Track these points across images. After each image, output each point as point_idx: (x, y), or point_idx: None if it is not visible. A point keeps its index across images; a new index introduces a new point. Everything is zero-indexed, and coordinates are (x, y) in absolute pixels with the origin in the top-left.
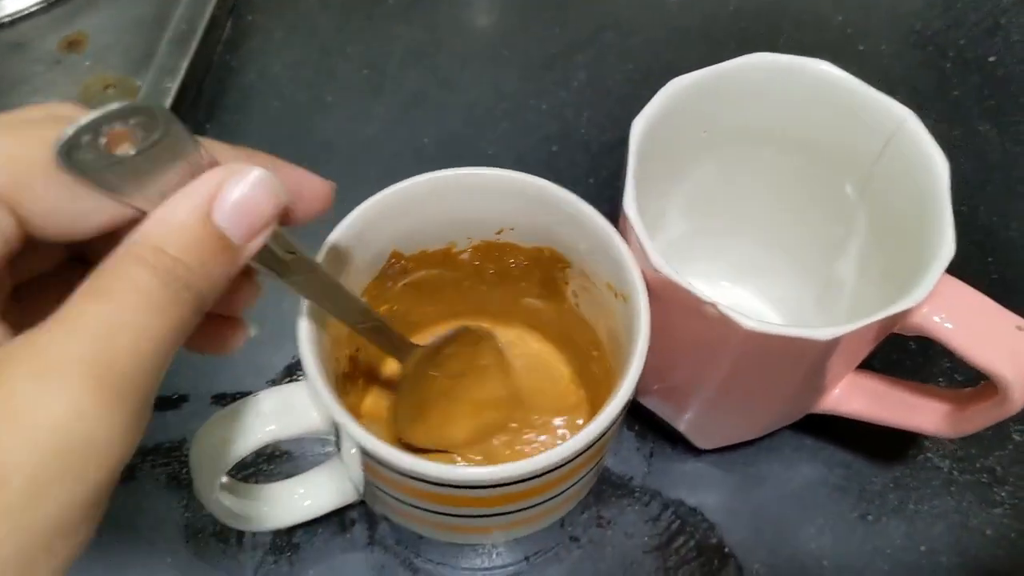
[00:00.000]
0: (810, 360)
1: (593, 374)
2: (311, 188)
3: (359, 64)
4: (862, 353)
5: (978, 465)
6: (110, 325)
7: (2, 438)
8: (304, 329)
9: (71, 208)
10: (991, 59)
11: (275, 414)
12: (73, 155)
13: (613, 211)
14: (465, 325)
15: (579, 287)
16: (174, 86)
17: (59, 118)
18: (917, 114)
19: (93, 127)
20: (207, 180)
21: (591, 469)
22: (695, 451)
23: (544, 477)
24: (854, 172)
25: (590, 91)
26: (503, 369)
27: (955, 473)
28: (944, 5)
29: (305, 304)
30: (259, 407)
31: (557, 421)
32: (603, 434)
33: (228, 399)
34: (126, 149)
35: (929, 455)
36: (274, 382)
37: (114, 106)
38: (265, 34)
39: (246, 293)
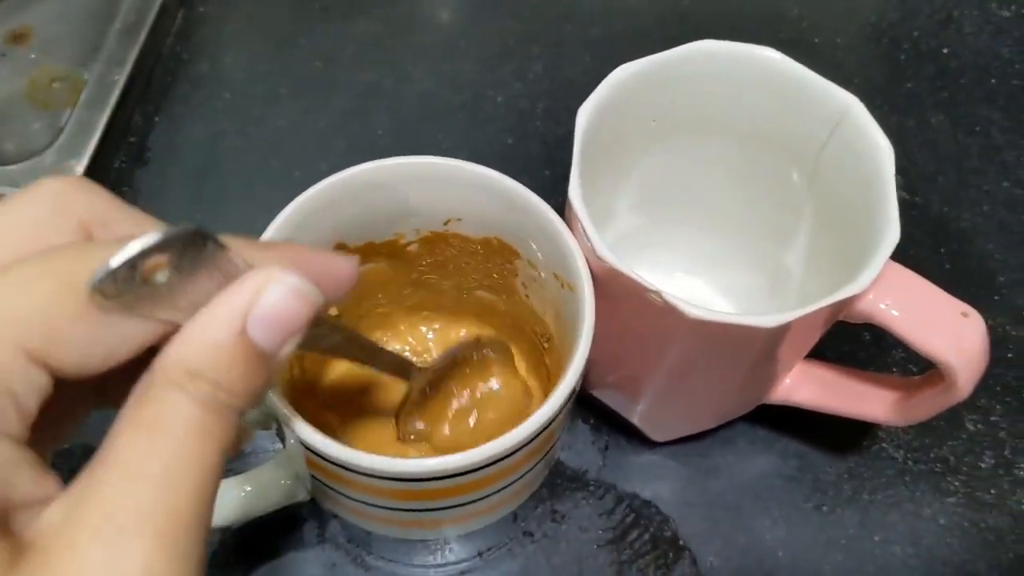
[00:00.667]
0: (758, 348)
1: (546, 366)
2: (336, 272)
3: (313, 56)
4: (810, 341)
5: (932, 455)
6: (168, 467)
7: None
8: None
9: (104, 345)
10: (944, 51)
11: None
12: (107, 291)
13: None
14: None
15: (528, 278)
16: (122, 78)
17: (84, 247)
18: (870, 105)
19: (130, 263)
20: (239, 293)
21: (540, 460)
22: (650, 444)
23: (489, 468)
24: (801, 160)
25: (547, 82)
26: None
27: (909, 463)
28: None
29: None
30: None
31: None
32: (548, 423)
33: None
34: (162, 275)
35: (883, 445)
36: None
37: (151, 238)
38: (217, 25)
39: None
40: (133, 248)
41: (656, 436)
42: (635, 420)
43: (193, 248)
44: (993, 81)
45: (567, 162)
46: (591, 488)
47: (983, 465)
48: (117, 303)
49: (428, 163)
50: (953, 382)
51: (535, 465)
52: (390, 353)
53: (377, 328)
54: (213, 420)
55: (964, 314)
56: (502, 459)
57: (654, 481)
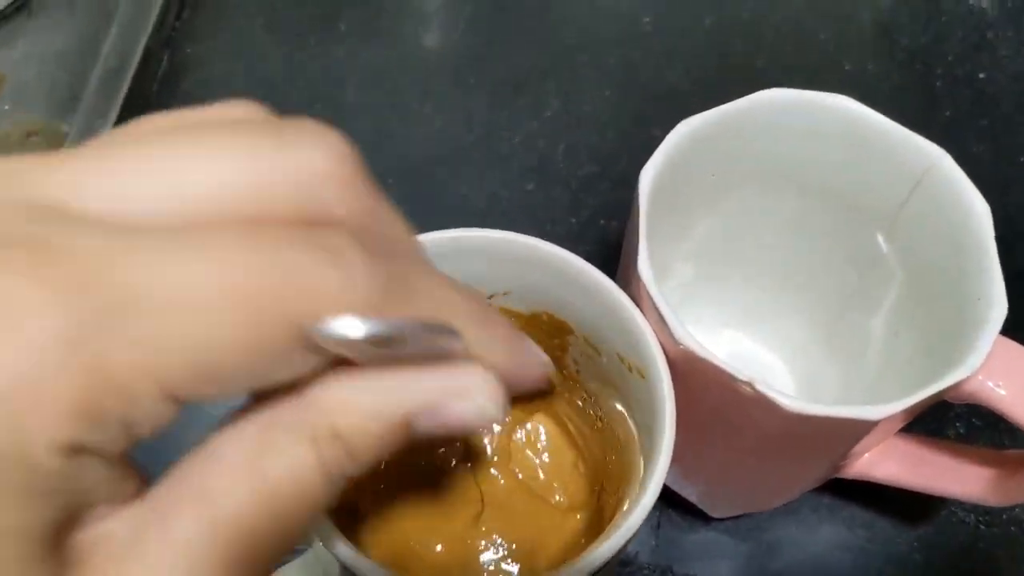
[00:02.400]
0: (852, 437)
1: (594, 453)
2: (527, 375)
3: (310, 96)
4: (902, 423)
5: (1004, 517)
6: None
7: None
8: None
9: (267, 380)
10: (981, 76)
11: None
12: (320, 344)
13: (601, 253)
14: None
15: (580, 355)
16: (106, 129)
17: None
18: None
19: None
20: (434, 385)
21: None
22: (705, 518)
23: None
24: (881, 217)
25: (565, 119)
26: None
27: (981, 527)
28: (926, 17)
29: None
30: None
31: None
32: (628, 541)
33: None
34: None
35: (953, 508)
36: None
37: (407, 326)
38: (206, 67)
39: None
40: (381, 327)
41: (716, 513)
42: (693, 499)
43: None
44: None
45: (594, 207)
46: (645, 572)
47: None
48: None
49: (473, 237)
50: None
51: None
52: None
53: None
54: (321, 489)
55: None
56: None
57: (713, 560)
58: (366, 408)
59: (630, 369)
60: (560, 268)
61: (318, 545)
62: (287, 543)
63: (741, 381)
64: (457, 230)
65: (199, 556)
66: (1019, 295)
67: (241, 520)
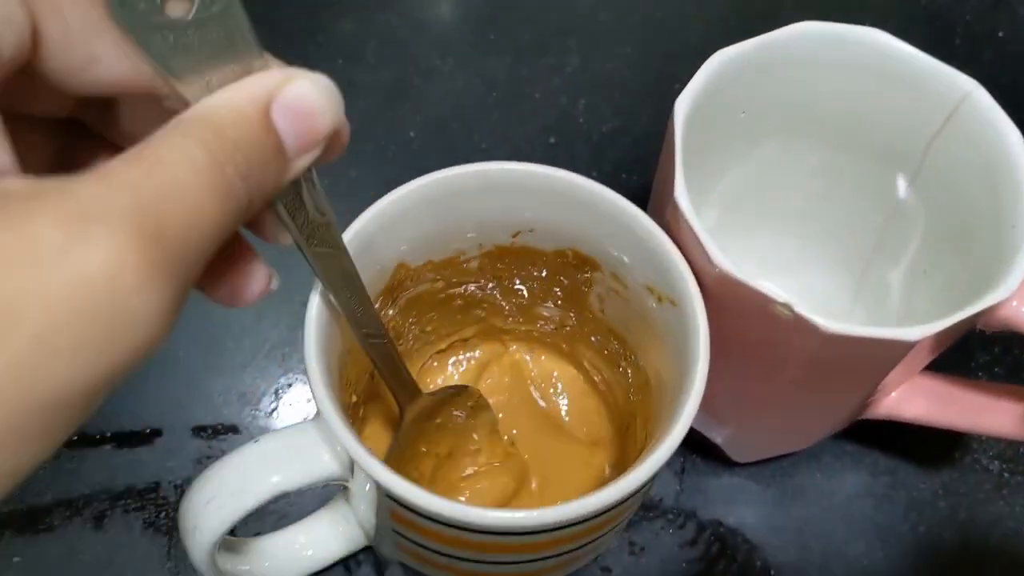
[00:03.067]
0: (887, 363)
1: (622, 391)
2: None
3: (333, 54)
4: (932, 355)
5: None
6: (159, 187)
7: (20, 283)
8: (313, 349)
9: (95, 61)
10: (1000, 34)
11: (279, 463)
12: (125, 2)
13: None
14: (466, 385)
15: (606, 290)
16: None
17: None
18: None
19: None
20: (266, 76)
21: (638, 505)
22: (729, 463)
23: (592, 521)
24: (907, 161)
25: (587, 75)
26: (494, 445)
27: (1005, 475)
28: None
29: (313, 315)
30: (259, 455)
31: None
32: (656, 472)
33: (208, 431)
34: (182, 11)
35: (977, 456)
36: (259, 410)
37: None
38: None
39: (269, 229)
40: None
41: (740, 458)
42: (719, 441)
43: (219, 4)
44: None
45: (615, 161)
46: (670, 517)
47: None
48: (130, 30)
49: (499, 169)
50: None
51: (632, 510)
52: (388, 334)
53: (432, 352)
54: (220, 180)
55: None
56: (606, 511)
57: (737, 506)
58: (226, 104)
59: (660, 300)
60: (588, 200)
61: (360, 491)
62: (201, 230)
63: (779, 303)
64: (485, 163)
65: (108, 207)
66: None
67: (142, 190)
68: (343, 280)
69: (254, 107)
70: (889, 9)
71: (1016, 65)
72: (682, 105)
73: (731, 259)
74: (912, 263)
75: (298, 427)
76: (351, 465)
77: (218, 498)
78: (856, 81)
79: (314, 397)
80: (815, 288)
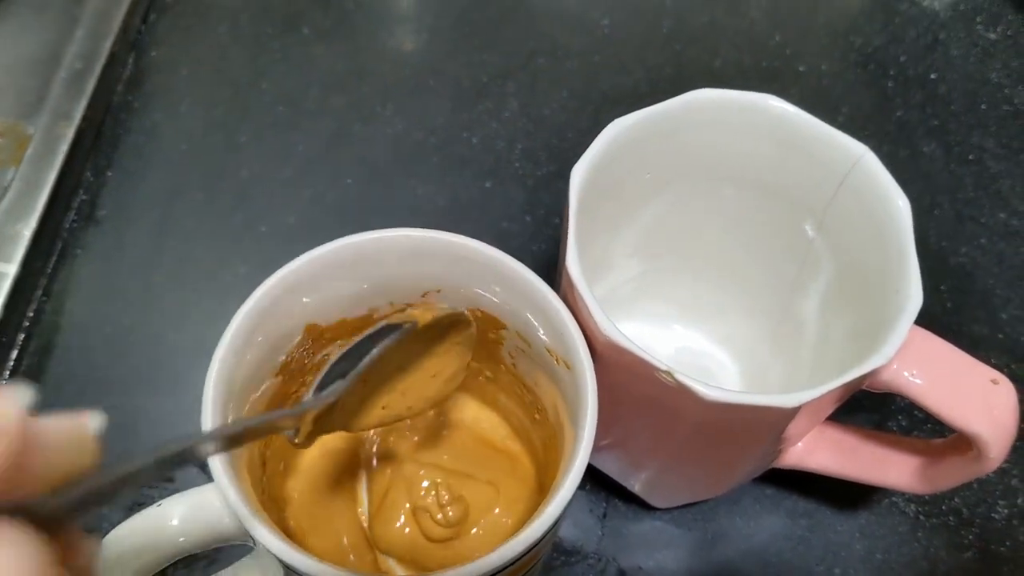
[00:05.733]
0: (775, 425)
1: (538, 438)
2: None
3: (274, 99)
4: (828, 411)
5: (943, 507)
6: None
7: None
8: (210, 425)
9: None
10: (932, 76)
11: (185, 525)
12: None
13: (554, 251)
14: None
15: (515, 349)
16: (70, 131)
17: None
18: (861, 135)
19: None
20: None
21: (539, 560)
22: (651, 508)
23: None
24: (811, 211)
25: (524, 120)
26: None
27: (921, 517)
28: (883, 20)
29: (210, 393)
30: (166, 517)
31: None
32: (553, 525)
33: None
34: None
35: (894, 499)
36: None
37: None
38: (170, 70)
39: None
40: None
41: (658, 504)
42: (635, 489)
43: None
44: (983, 107)
45: (549, 205)
46: (591, 562)
47: (996, 516)
48: None
49: (404, 236)
50: (984, 453)
51: (536, 564)
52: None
53: None
54: None
55: (994, 381)
56: (503, 569)
57: (657, 550)
58: None
59: (557, 361)
60: (489, 266)
61: (260, 546)
62: None
63: (661, 371)
64: (382, 231)
65: None
66: (960, 292)
67: None
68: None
69: None
70: (823, 51)
71: (947, 107)
72: (577, 174)
73: (657, 305)
74: (821, 307)
75: (201, 489)
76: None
77: (120, 562)
78: (755, 143)
79: (212, 472)
80: (736, 334)
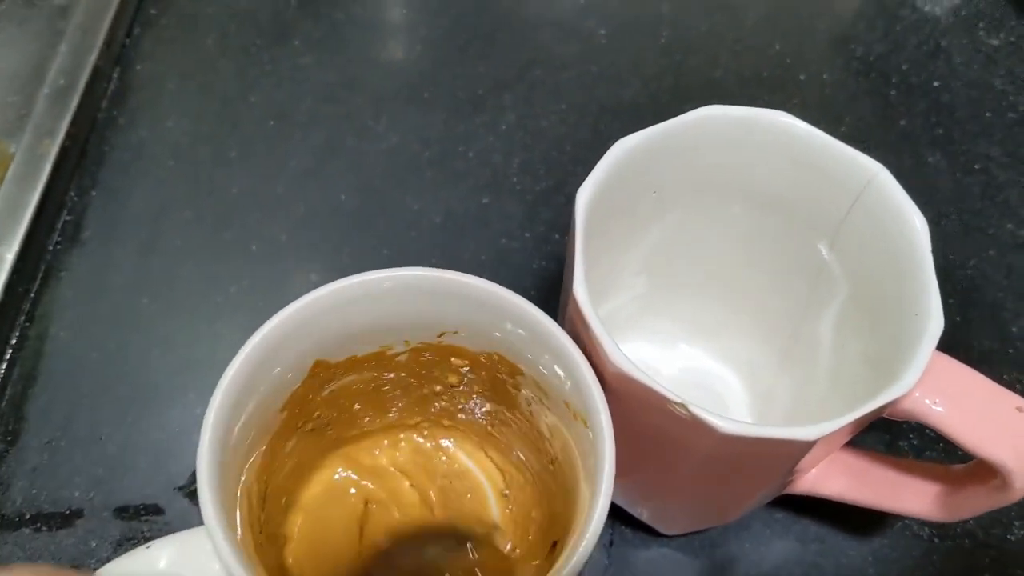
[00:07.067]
0: (790, 457)
1: (549, 490)
2: None
3: (264, 113)
4: (844, 440)
5: (958, 530)
6: None
7: None
8: (205, 464)
9: None
10: (936, 84)
11: (172, 568)
12: None
13: (554, 268)
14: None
15: (533, 397)
16: (54, 149)
17: None
18: (864, 146)
19: None
20: None
21: None
22: (658, 534)
23: None
24: (824, 230)
25: (521, 133)
26: None
27: (935, 540)
28: (884, 28)
29: (207, 436)
30: (154, 560)
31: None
32: None
33: (131, 512)
34: None
35: (908, 522)
36: (181, 489)
37: None
38: (157, 84)
39: None
40: None
41: (667, 531)
42: (644, 517)
43: None
44: (988, 115)
45: (549, 221)
46: None
47: (1012, 538)
48: None
49: (420, 276)
50: (1010, 484)
51: None
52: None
53: (362, 441)
54: None
55: (1019, 408)
56: None
57: None
58: None
59: (575, 417)
60: (503, 308)
61: None
62: None
63: (674, 403)
64: (403, 269)
65: None
66: (969, 305)
67: None
68: None
69: None
70: (824, 60)
71: (951, 115)
72: (583, 195)
73: (664, 323)
74: (836, 327)
75: (191, 533)
76: None
77: None
78: (767, 161)
79: (203, 515)
80: (743, 354)
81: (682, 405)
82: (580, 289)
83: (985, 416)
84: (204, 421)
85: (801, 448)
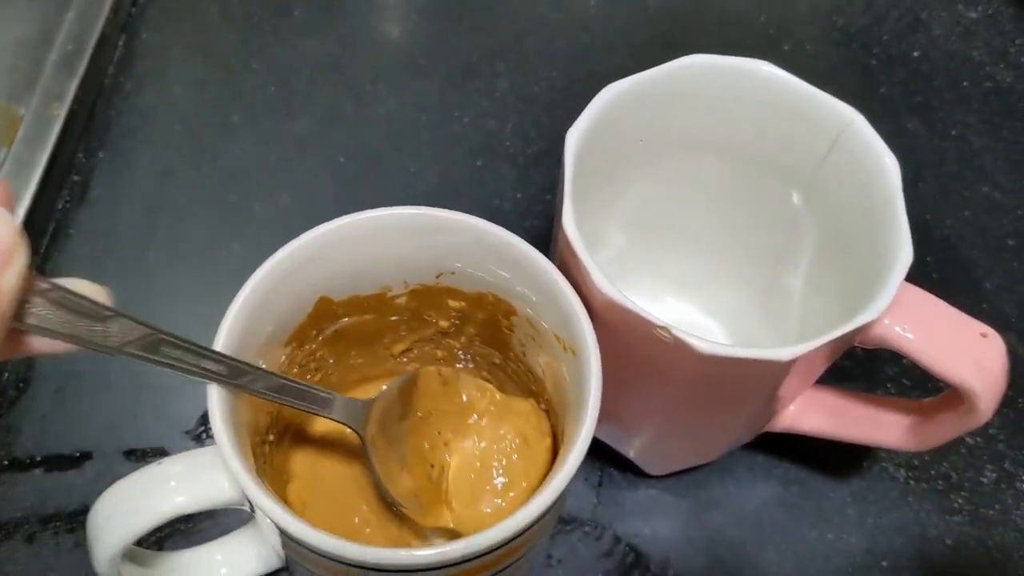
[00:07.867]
0: (768, 381)
1: (548, 426)
2: None
3: (266, 80)
4: (820, 369)
5: (933, 472)
6: None
7: None
8: (215, 391)
9: None
10: (915, 54)
11: (183, 484)
12: None
13: (545, 227)
14: (424, 368)
15: (526, 336)
16: (62, 112)
17: None
18: None
19: None
20: None
21: (541, 539)
22: (646, 476)
23: (494, 553)
24: (798, 178)
25: (513, 99)
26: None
27: (911, 482)
28: (866, 1)
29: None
30: (165, 475)
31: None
32: (546, 511)
33: (139, 455)
34: None
35: (884, 465)
36: (188, 433)
37: None
38: (162, 52)
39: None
40: None
41: (653, 470)
42: (631, 455)
43: None
44: (965, 84)
45: (540, 183)
46: (587, 529)
47: (984, 480)
48: None
49: (417, 214)
50: (975, 406)
51: (537, 543)
52: (284, 379)
53: (362, 386)
54: None
55: (983, 335)
56: (503, 545)
57: (652, 517)
58: None
59: (564, 348)
60: (496, 246)
61: (262, 522)
62: None
63: (658, 327)
64: (404, 208)
65: None
66: (945, 263)
67: None
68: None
69: None
70: (807, 30)
71: (929, 84)
72: (572, 138)
73: (646, 279)
74: (808, 276)
75: (201, 451)
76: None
77: (116, 516)
78: (746, 109)
79: (214, 432)
80: (726, 303)
81: (665, 329)
82: (569, 222)
83: (952, 342)
84: (214, 342)
85: (777, 370)
